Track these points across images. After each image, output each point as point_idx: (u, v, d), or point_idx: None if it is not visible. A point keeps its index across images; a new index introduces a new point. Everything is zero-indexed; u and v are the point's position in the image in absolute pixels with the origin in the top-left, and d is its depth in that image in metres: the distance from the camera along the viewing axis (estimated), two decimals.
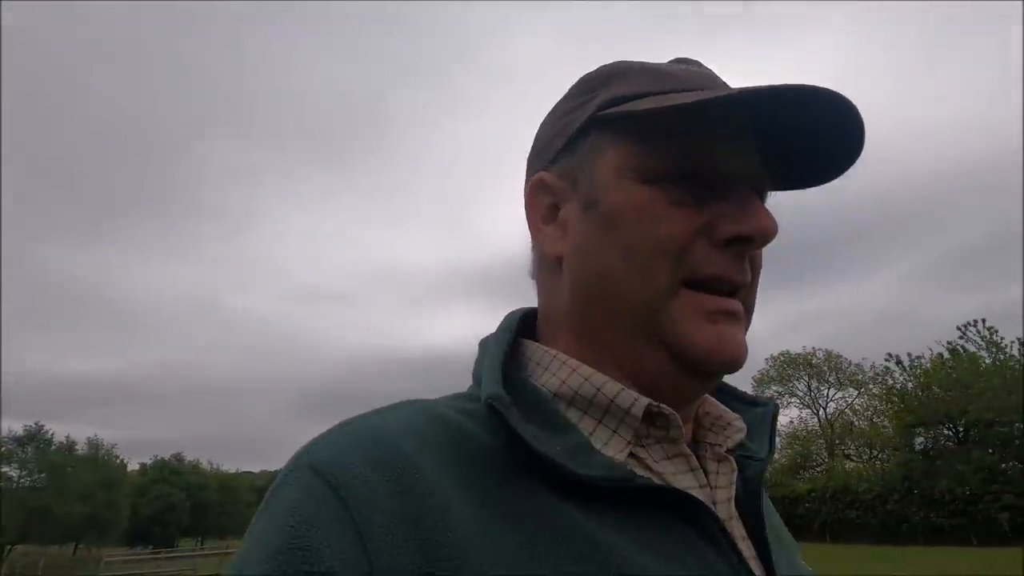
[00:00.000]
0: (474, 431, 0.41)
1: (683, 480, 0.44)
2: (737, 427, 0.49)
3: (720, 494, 0.45)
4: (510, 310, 0.54)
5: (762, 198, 0.47)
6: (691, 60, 0.51)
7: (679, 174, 0.44)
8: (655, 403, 0.43)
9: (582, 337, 0.47)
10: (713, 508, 0.42)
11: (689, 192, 0.44)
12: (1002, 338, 27.98)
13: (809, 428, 41.76)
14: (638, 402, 0.43)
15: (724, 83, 0.49)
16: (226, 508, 60.24)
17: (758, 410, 0.55)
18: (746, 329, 0.47)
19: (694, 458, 0.45)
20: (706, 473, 0.46)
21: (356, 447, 0.37)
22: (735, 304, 0.45)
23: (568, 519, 0.37)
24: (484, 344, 0.51)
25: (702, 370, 0.44)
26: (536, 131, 0.55)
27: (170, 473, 55.42)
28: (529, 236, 0.53)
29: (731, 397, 0.56)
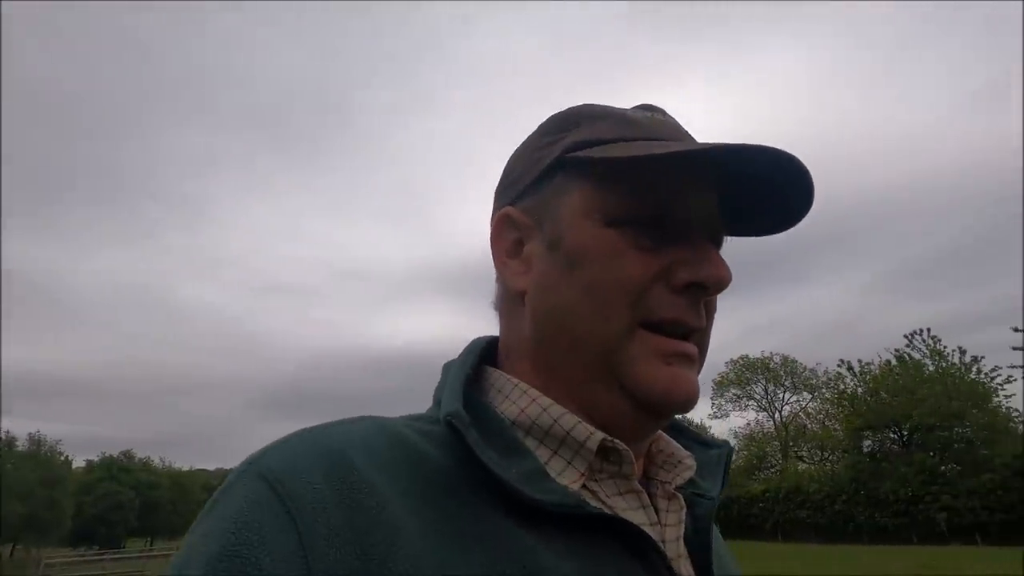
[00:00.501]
0: (431, 452, 0.41)
1: (634, 516, 0.44)
2: (687, 464, 0.50)
3: (669, 532, 0.46)
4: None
5: (718, 244, 0.50)
6: (656, 108, 0.54)
7: (641, 219, 0.46)
8: (609, 438, 0.44)
9: (541, 370, 0.48)
10: (662, 546, 0.43)
11: (650, 237, 0.46)
12: (945, 347, 29.55)
13: (765, 430, 43.09)
14: (593, 436, 0.44)
15: (686, 132, 0.52)
16: (178, 507, 58.31)
17: (712, 452, 0.56)
18: (699, 371, 0.49)
19: (645, 495, 0.46)
20: (657, 511, 0.47)
21: (308, 457, 0.37)
22: (690, 347, 0.46)
23: (519, 543, 0.38)
24: (447, 367, 0.51)
25: (655, 410, 0.46)
26: (505, 164, 0.57)
27: (118, 471, 53.27)
28: (494, 265, 0.54)
29: (685, 436, 0.57)
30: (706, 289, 0.46)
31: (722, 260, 0.47)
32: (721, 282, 0.46)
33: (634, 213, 0.46)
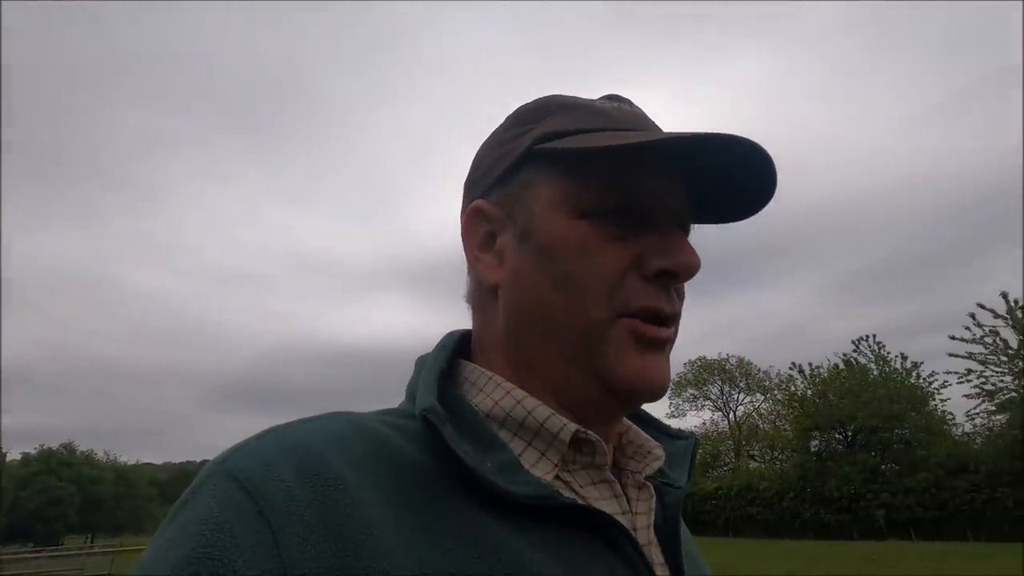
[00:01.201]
0: (404, 447, 0.41)
1: (607, 506, 0.45)
2: (656, 455, 0.52)
3: (640, 520, 0.47)
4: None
5: (686, 231, 0.51)
6: (623, 98, 0.54)
7: (611, 209, 0.46)
8: (583, 429, 0.45)
9: (514, 361, 0.49)
10: (634, 533, 0.44)
11: (620, 227, 0.46)
12: (888, 352, 31.01)
13: (720, 430, 44.33)
14: (566, 427, 0.45)
15: (652, 122, 0.52)
16: (122, 503, 56.00)
17: (680, 443, 0.58)
18: (669, 354, 0.50)
19: (618, 485, 0.47)
20: (628, 500, 0.48)
21: (279, 456, 0.37)
22: (667, 332, 0.47)
23: (494, 535, 0.38)
24: (421, 361, 0.51)
25: (627, 398, 0.47)
26: (474, 157, 0.56)
27: (58, 464, 50.77)
28: (465, 259, 0.54)
29: (652, 427, 0.58)
30: (677, 276, 0.47)
31: (690, 247, 0.48)
32: (691, 268, 0.47)
33: (604, 203, 0.46)
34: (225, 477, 0.35)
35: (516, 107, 0.55)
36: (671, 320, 0.48)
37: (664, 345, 0.47)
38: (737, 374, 44.27)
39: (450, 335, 0.54)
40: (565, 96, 0.53)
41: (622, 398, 0.47)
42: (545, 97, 0.54)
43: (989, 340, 23.48)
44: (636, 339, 0.46)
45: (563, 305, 0.46)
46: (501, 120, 0.56)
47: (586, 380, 0.46)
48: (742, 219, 0.54)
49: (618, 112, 0.50)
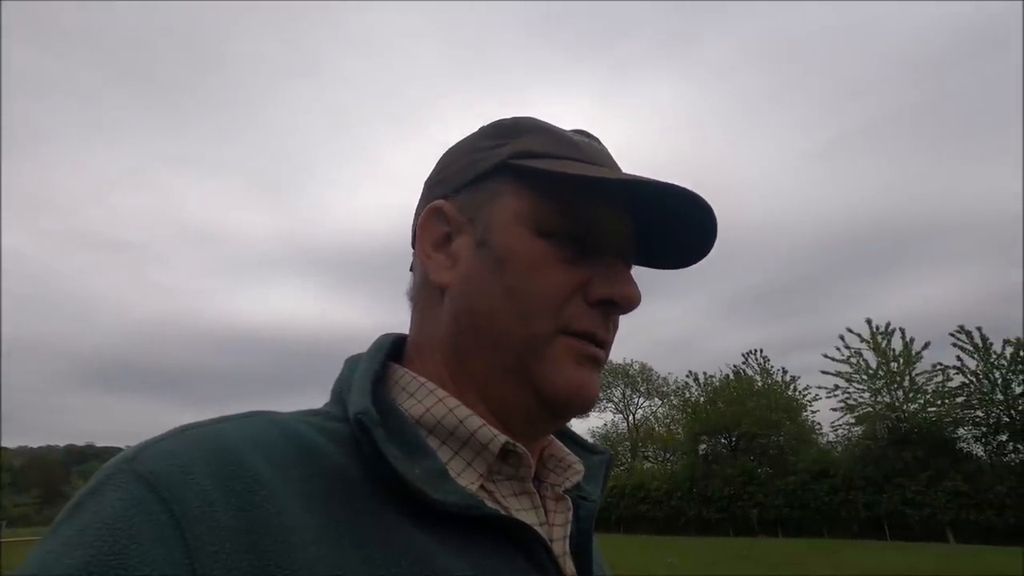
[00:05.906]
0: (328, 450, 0.40)
1: (526, 516, 0.47)
2: (576, 469, 0.53)
3: (556, 531, 0.49)
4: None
5: (629, 267, 0.54)
6: (592, 135, 0.57)
7: (568, 235, 0.49)
8: (511, 442, 0.46)
9: (452, 365, 0.50)
10: (550, 543, 0.46)
11: (574, 251, 0.49)
12: (772, 366, 34.09)
13: (619, 431, 46.62)
14: (496, 439, 0.46)
15: (614, 160, 0.55)
16: None
17: (596, 457, 0.60)
18: None
19: (537, 496, 0.49)
20: (546, 511, 0.49)
21: (195, 456, 0.35)
22: (602, 353, 0.51)
23: (414, 543, 0.38)
24: (352, 362, 0.51)
25: (561, 410, 0.49)
26: (440, 158, 0.58)
27: None
28: (416, 255, 0.55)
29: (572, 442, 0.61)
30: (618, 306, 0.50)
31: (634, 282, 0.51)
32: (632, 301, 0.50)
33: (563, 227, 0.49)
34: (131, 476, 0.33)
35: (493, 119, 0.57)
36: (605, 347, 0.51)
37: (599, 364, 0.50)
38: (639, 379, 46.72)
39: (385, 336, 0.54)
40: (540, 120, 0.55)
41: (554, 410, 0.48)
42: (522, 116, 0.56)
43: (854, 361, 26.53)
44: (574, 355, 0.48)
45: (509, 315, 0.47)
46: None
47: (521, 390, 0.48)
48: (671, 268, 0.58)
49: (588, 147, 0.53)
